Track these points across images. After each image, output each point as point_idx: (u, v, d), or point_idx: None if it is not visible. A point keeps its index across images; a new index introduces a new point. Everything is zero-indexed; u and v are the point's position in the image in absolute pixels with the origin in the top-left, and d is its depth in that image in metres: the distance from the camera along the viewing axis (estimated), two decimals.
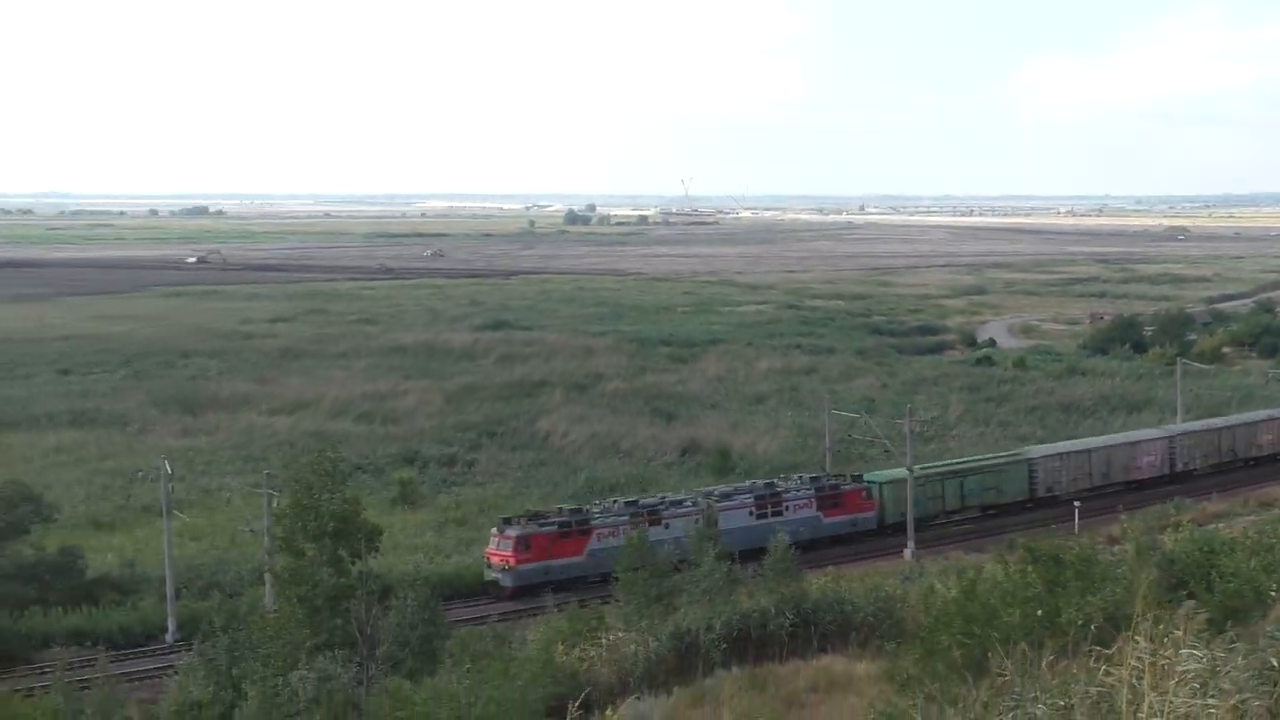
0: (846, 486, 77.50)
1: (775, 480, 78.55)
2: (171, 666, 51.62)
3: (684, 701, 38.51)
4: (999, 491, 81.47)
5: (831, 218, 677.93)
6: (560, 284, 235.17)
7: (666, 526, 69.40)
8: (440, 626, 45.35)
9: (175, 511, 69.25)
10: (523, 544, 66.53)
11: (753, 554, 64.56)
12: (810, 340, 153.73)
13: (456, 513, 77.91)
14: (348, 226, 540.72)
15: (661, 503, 72.80)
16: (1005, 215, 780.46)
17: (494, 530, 68.39)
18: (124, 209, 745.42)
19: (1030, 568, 30.42)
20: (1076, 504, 76.60)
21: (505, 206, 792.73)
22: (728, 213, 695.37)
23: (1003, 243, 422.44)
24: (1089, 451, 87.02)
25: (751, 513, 73.30)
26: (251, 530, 62.34)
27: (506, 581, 66.15)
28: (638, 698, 38.62)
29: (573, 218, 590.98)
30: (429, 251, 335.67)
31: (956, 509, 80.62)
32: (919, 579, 57.20)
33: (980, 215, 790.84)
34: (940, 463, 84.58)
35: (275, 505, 53.94)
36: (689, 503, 72.37)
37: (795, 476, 79.18)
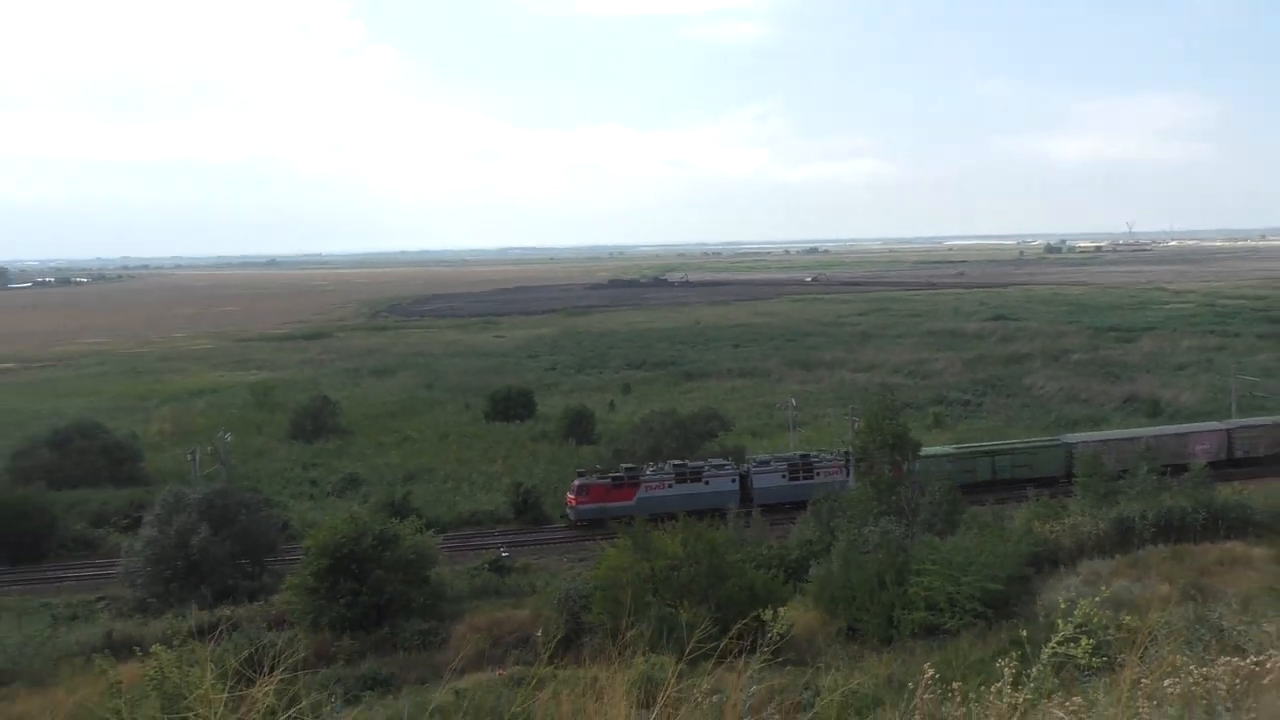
0: None
1: (810, 452, 61.58)
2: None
3: (1123, 564, 35.57)
4: (1032, 469, 61.27)
5: (1239, 244, 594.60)
6: (1040, 291, 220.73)
7: (707, 484, 57.52)
8: (958, 504, 43.89)
9: (798, 428, 70.68)
10: (583, 491, 55.89)
11: (789, 506, 54.62)
12: (1221, 327, 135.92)
13: (970, 434, 74.82)
14: (902, 257, 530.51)
15: (704, 465, 59.15)
16: None
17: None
18: (769, 250, 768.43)
19: None
20: None
21: (1003, 243, 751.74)
22: (1160, 243, 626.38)
23: None
24: (1132, 440, 63.15)
25: (784, 475, 58.49)
26: (843, 441, 62.51)
27: (571, 517, 55.99)
28: (1091, 559, 35.99)
29: (1050, 248, 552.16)
30: (956, 272, 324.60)
31: (988, 481, 59.70)
32: None
33: None
34: (978, 444, 65.73)
35: (855, 426, 53.93)
36: (729, 466, 59.52)
37: (835, 450, 61.51)
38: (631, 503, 55.35)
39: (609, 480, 57.01)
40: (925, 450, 62.07)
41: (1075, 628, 5.27)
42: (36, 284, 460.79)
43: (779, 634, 5.88)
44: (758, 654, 5.54)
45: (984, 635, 28.31)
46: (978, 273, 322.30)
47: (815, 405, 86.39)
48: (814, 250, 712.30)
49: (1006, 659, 5.64)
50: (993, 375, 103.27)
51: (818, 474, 58.48)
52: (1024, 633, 6.73)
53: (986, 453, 63.00)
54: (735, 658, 6.10)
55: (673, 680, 5.34)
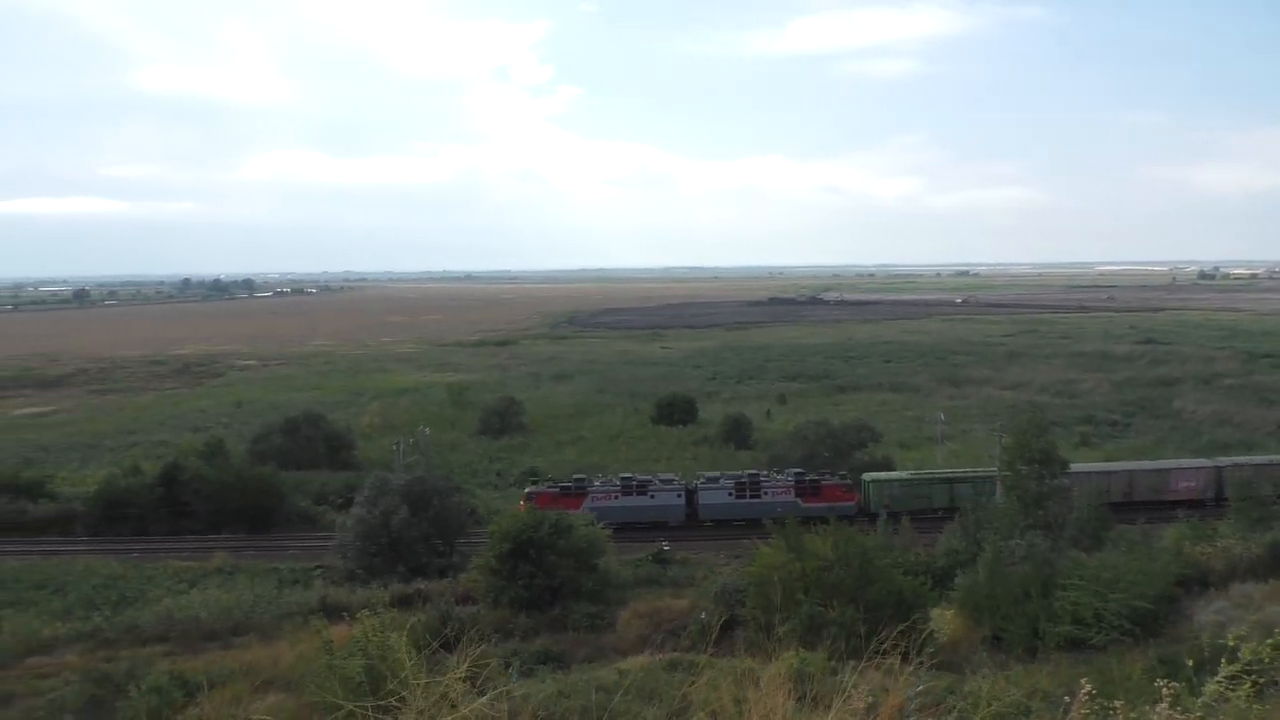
0: (827, 481, 56.32)
1: (759, 472, 57.95)
2: (941, 530, 50.33)
3: (1277, 588, 32.55)
4: (995, 497, 52.32)
5: None
6: (1192, 317, 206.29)
7: (652, 497, 54.38)
8: (1105, 521, 41.28)
9: (946, 442, 68.16)
10: (530, 499, 52.91)
11: (736, 522, 53.74)
12: None
13: (1117, 454, 70.46)
14: (1051, 281, 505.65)
15: (652, 479, 56.29)
16: None
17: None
18: (921, 272, 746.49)
19: None
20: None
21: (1155, 269, 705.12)
22: None
23: None
24: (1107, 474, 56.38)
25: (730, 494, 55.34)
26: (990, 456, 59.82)
27: None
28: (1242, 583, 33.15)
29: (1203, 275, 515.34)
30: (1105, 296, 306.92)
31: (945, 507, 53.81)
32: None
33: None
34: (934, 470, 60.16)
35: (1003, 442, 51.50)
36: (676, 482, 56.47)
37: (788, 471, 57.94)
38: (578, 512, 53.01)
39: (557, 490, 55.20)
40: (877, 476, 58.54)
41: (1242, 666, 4.81)
42: (275, 293, 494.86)
43: (932, 639, 5.58)
44: (922, 659, 5.27)
45: (1131, 652, 26.47)
46: (1128, 297, 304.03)
47: (963, 420, 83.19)
48: (965, 273, 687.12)
49: (1164, 681, 5.18)
50: (1142, 397, 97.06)
51: (765, 494, 55.44)
52: (1190, 662, 6.18)
53: (945, 480, 57.76)
54: (881, 657, 5.85)
55: (824, 675, 5.15)
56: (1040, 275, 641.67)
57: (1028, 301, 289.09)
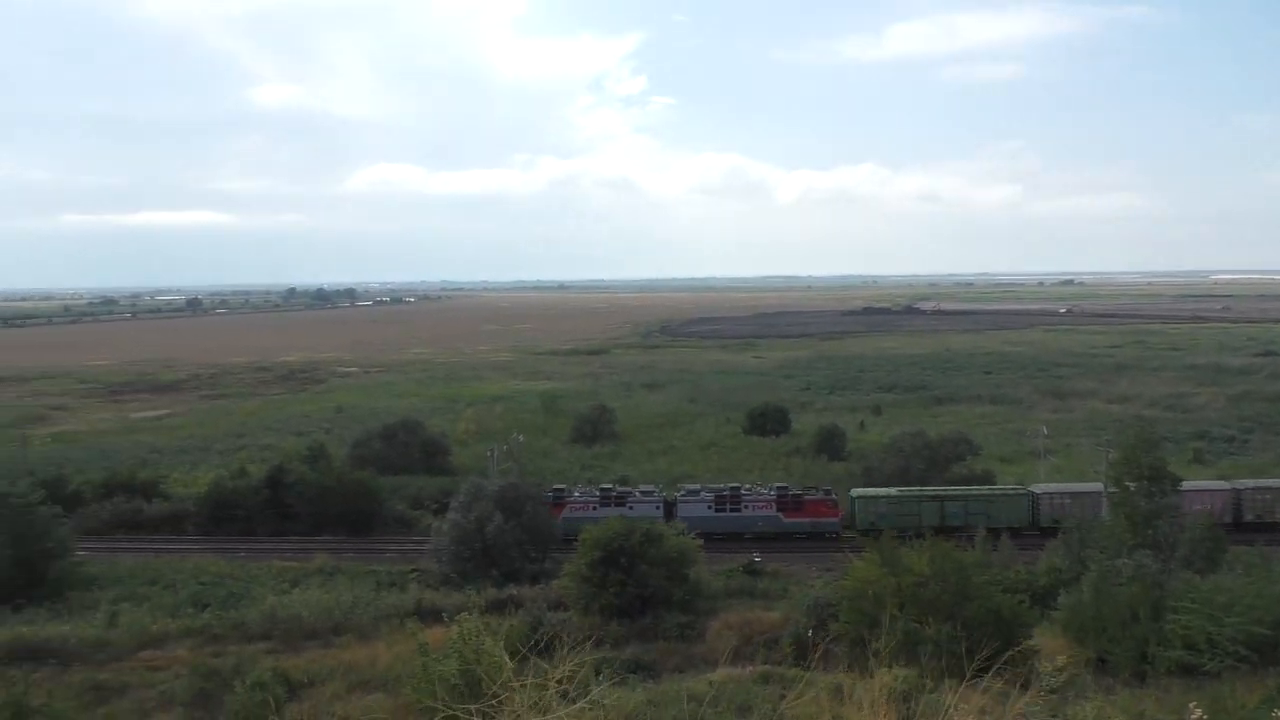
0: (810, 496, 55.82)
1: (740, 486, 57.75)
2: (1041, 548, 48.74)
3: None
4: (989, 517, 53.63)
5: None
6: None
7: (630, 508, 52.88)
8: (1222, 542, 39.40)
9: (1049, 457, 66.00)
10: None
11: (716, 536, 52.35)
12: None
13: (1234, 471, 66.93)
14: (1161, 290, 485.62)
15: (632, 491, 56.62)
16: None
17: None
18: (1022, 282, 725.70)
19: None
20: None
21: (1275, 277, 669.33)
22: None
23: None
24: (1100, 494, 51.57)
25: (710, 507, 55.37)
26: (1096, 470, 57.69)
27: None
28: None
29: None
30: (1221, 306, 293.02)
31: (936, 526, 51.01)
32: None
33: None
34: (924, 488, 57.69)
35: (1109, 457, 49.59)
36: (655, 493, 56.45)
37: (769, 485, 58.01)
38: (556, 521, 53.02)
39: None
40: (864, 492, 57.35)
41: None
42: (375, 302, 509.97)
43: (1037, 659, 5.43)
44: (1031, 690, 5.12)
45: (1248, 680, 25.19)
46: (1245, 307, 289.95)
47: (1067, 434, 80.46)
48: (1069, 282, 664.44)
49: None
50: (1261, 412, 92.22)
51: (745, 508, 55.61)
52: None
53: (934, 497, 55.99)
54: (983, 678, 5.69)
55: (923, 695, 5.05)
56: (1150, 284, 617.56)
57: (1136, 311, 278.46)
